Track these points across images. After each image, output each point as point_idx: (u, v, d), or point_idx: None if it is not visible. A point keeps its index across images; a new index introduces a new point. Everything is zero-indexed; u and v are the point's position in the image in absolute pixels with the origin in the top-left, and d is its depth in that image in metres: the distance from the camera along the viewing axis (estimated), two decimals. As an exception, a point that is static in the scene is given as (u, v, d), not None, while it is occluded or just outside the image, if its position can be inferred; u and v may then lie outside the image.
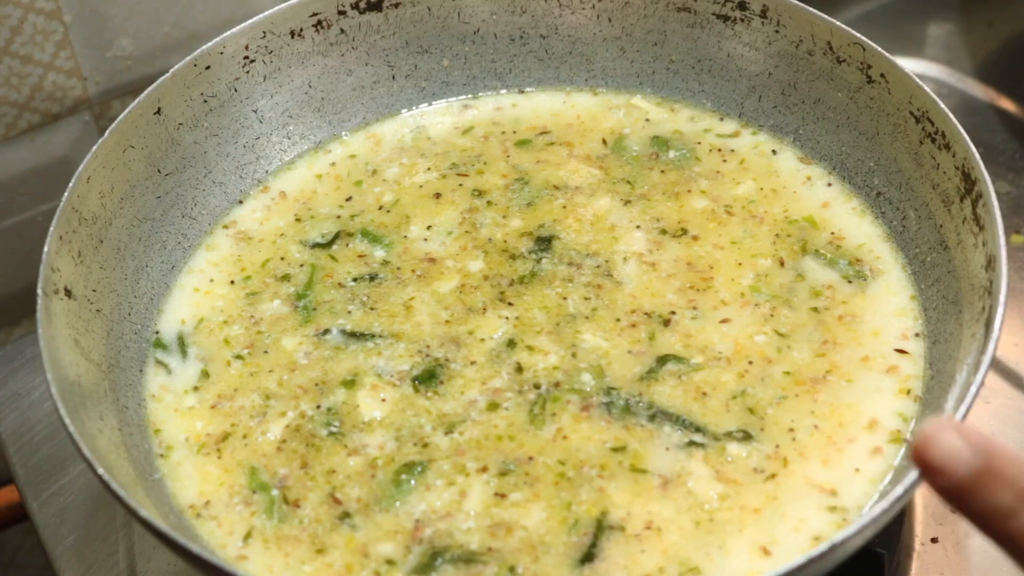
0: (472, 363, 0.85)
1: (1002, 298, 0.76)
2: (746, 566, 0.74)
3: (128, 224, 0.91)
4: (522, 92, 1.04)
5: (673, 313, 0.87)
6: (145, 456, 0.82)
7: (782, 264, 0.90)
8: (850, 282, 0.88)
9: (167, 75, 0.93)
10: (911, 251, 0.89)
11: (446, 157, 0.99)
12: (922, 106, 0.88)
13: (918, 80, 0.88)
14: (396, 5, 1.01)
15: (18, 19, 1.04)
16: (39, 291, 0.80)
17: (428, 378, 0.84)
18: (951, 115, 0.85)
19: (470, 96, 1.04)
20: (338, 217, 0.96)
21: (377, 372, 0.85)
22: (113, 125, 0.90)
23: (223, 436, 0.83)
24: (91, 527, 0.93)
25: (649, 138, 0.99)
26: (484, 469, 0.80)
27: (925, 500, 0.89)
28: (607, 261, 0.91)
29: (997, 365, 0.96)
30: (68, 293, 0.83)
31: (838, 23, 0.92)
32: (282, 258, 0.94)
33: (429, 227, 0.94)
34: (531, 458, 0.80)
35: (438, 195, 0.97)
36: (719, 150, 0.98)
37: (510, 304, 0.88)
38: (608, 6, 1.01)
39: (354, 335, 0.88)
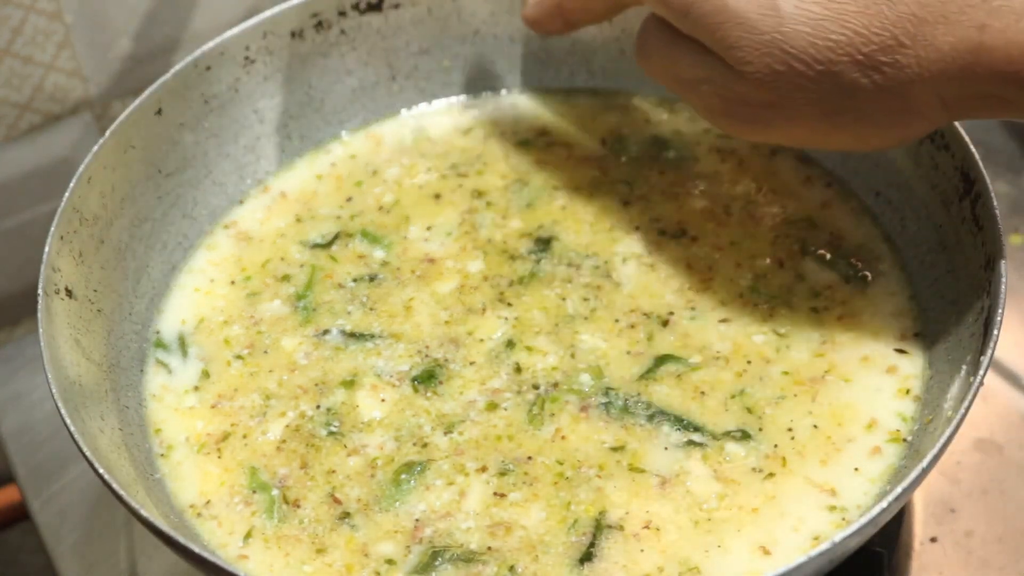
0: (471, 363, 0.85)
1: (1002, 298, 0.76)
2: (746, 566, 0.75)
3: (129, 224, 0.91)
4: (522, 92, 1.04)
5: (672, 314, 0.87)
6: (146, 456, 0.82)
7: (781, 265, 0.90)
8: (849, 282, 0.88)
9: (168, 75, 0.93)
10: (910, 251, 0.89)
11: (446, 157, 1.00)
12: (921, 106, 0.88)
13: (917, 80, 0.88)
14: (396, 6, 1.01)
15: (19, 20, 1.04)
16: (40, 291, 0.80)
17: (427, 378, 0.85)
18: (950, 115, 0.85)
19: (470, 96, 1.04)
20: (338, 217, 0.96)
21: (377, 372, 0.85)
22: (114, 125, 0.90)
23: (223, 436, 0.83)
24: (92, 527, 0.93)
25: (648, 138, 0.99)
26: (483, 469, 0.80)
27: (925, 500, 0.89)
28: (606, 262, 0.91)
29: (997, 365, 0.96)
30: (69, 293, 0.83)
31: (837, 23, 0.92)
32: (282, 258, 0.94)
33: (429, 228, 0.94)
34: (530, 458, 0.80)
35: (438, 195, 0.97)
36: (718, 150, 0.98)
37: (509, 305, 0.88)
38: (608, 6, 1.01)
39: (354, 335, 0.88)
